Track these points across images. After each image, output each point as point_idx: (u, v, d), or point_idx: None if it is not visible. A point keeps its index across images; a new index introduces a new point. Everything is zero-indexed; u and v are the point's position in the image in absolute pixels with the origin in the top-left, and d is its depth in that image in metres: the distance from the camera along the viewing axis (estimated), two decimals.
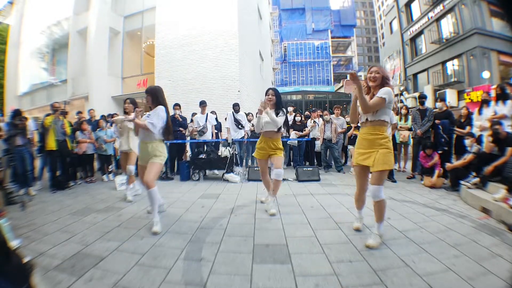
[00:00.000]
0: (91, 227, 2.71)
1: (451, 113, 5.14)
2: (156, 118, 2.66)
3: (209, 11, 9.62)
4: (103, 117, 6.22)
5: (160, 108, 2.73)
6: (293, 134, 6.48)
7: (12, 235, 1.20)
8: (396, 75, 21.48)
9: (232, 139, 6.07)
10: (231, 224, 2.72)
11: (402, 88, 20.04)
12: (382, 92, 2.10)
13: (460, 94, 13.95)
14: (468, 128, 4.80)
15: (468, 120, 4.93)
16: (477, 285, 1.58)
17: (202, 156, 5.46)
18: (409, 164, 5.91)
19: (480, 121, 4.65)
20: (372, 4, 50.62)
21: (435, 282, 1.61)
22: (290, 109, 7.14)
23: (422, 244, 2.15)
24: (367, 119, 2.21)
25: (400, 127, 5.75)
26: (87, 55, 11.28)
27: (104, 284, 1.66)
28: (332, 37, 40.40)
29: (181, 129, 6.07)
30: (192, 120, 6.41)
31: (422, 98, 5.35)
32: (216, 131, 6.57)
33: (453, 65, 15.22)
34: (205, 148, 6.04)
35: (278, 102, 3.16)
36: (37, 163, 5.18)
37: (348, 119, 6.14)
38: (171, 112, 5.98)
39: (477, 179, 3.66)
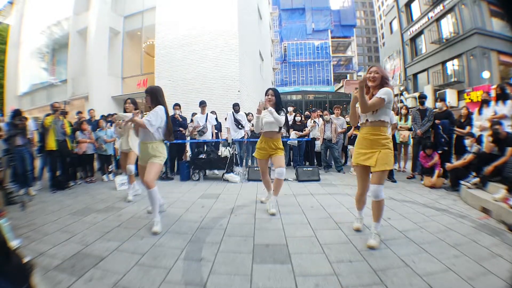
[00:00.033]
0: (91, 227, 2.71)
1: (451, 113, 5.14)
2: (154, 116, 2.65)
3: (209, 11, 9.62)
4: (103, 117, 6.23)
5: (159, 107, 2.73)
6: (293, 134, 6.48)
7: (12, 235, 1.20)
8: (396, 75, 21.48)
9: (232, 139, 6.07)
10: (231, 224, 2.72)
11: (402, 88, 20.03)
12: (382, 93, 2.10)
13: (460, 94, 13.95)
14: (468, 128, 4.80)
15: (468, 120, 4.93)
16: (477, 285, 1.58)
17: (202, 156, 5.46)
18: (409, 164, 5.91)
19: (480, 121, 4.65)
20: (372, 4, 50.62)
21: (435, 282, 1.61)
22: (290, 109, 7.14)
23: (422, 244, 2.15)
24: (367, 120, 2.21)
25: (400, 127, 5.75)
26: (87, 55, 11.29)
27: (104, 284, 1.65)
28: (332, 37, 40.42)
29: (181, 129, 6.07)
30: (192, 120, 6.41)
31: (422, 98, 5.35)
32: (216, 131, 6.57)
33: (453, 65, 15.22)
34: (205, 148, 6.04)
35: (277, 102, 3.17)
36: (37, 163, 5.18)
37: (348, 119, 6.15)
38: (171, 112, 6.00)
39: (477, 179, 3.66)
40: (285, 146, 6.47)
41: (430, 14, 16.59)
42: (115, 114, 6.25)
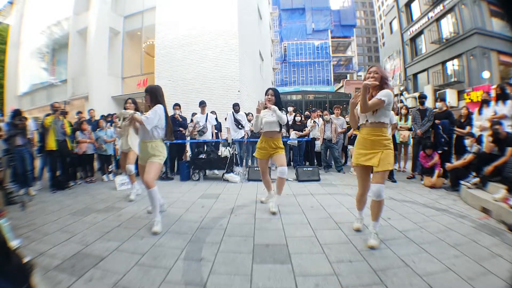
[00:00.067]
0: (91, 227, 2.71)
1: (451, 113, 5.14)
2: (152, 114, 2.66)
3: (209, 11, 9.62)
4: (103, 117, 6.23)
5: (159, 106, 2.73)
6: (293, 134, 6.48)
7: (12, 235, 1.20)
8: (396, 75, 21.48)
9: (232, 139, 6.07)
10: (231, 224, 2.72)
11: (402, 88, 20.04)
12: (382, 94, 2.10)
13: (460, 94, 13.95)
14: (468, 128, 4.80)
15: (468, 120, 4.93)
16: (477, 285, 1.58)
17: (202, 156, 5.46)
18: (409, 164, 5.91)
19: (480, 121, 4.65)
20: (372, 4, 50.60)
21: (435, 282, 1.61)
22: (290, 109, 7.14)
23: (422, 244, 2.15)
24: (367, 120, 2.21)
25: (400, 127, 5.75)
26: (87, 55, 11.28)
27: (104, 284, 1.65)
28: (332, 37, 40.41)
29: (181, 129, 6.07)
30: (192, 120, 6.41)
31: (422, 98, 5.35)
32: (216, 131, 6.57)
33: (453, 65, 15.22)
34: (205, 148, 6.04)
35: (277, 102, 3.19)
36: (37, 163, 5.18)
37: (348, 119, 6.14)
38: (171, 112, 6.00)
39: (477, 179, 3.66)
40: (285, 146, 6.46)
41: (430, 14, 16.59)
42: (115, 114, 6.26)
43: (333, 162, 6.33)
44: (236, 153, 5.90)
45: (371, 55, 51.82)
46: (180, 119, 6.13)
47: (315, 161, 6.84)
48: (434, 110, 5.36)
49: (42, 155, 5.20)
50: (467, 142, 4.34)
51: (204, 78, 9.54)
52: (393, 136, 5.34)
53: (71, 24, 12.10)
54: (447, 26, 15.31)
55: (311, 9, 38.62)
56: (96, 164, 5.94)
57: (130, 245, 2.23)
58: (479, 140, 4.36)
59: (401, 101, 16.93)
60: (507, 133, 3.70)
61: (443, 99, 5.62)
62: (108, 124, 5.90)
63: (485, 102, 4.74)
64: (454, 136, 4.99)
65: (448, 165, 4.37)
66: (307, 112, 7.82)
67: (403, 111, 5.90)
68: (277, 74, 35.72)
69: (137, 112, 2.90)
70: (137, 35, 12.20)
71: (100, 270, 1.83)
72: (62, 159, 4.94)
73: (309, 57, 39.10)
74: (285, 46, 39.24)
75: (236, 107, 6.41)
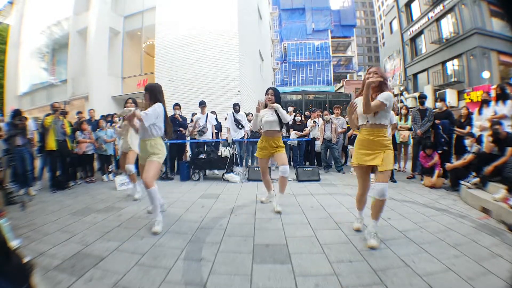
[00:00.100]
0: (91, 227, 2.71)
1: (451, 113, 5.14)
2: (151, 110, 2.66)
3: (209, 11, 9.62)
4: (103, 117, 6.23)
5: (158, 104, 2.73)
6: (293, 134, 6.48)
7: (12, 235, 1.20)
8: (396, 75, 21.49)
9: (232, 139, 6.07)
10: (231, 224, 2.72)
11: (402, 88, 20.04)
12: (384, 97, 2.11)
13: (460, 94, 13.95)
14: (468, 128, 4.80)
15: (468, 120, 4.93)
16: (477, 285, 1.58)
17: (202, 156, 5.46)
18: (409, 164, 5.91)
19: (480, 121, 4.65)
20: (372, 4, 50.61)
21: (435, 282, 1.61)
22: (290, 109, 7.14)
23: (422, 244, 2.15)
24: (367, 121, 2.22)
25: (400, 127, 5.75)
26: (87, 55, 11.29)
27: (104, 284, 1.65)
28: (332, 37, 40.42)
29: (181, 129, 6.07)
30: (192, 120, 6.41)
31: (422, 98, 5.35)
32: (216, 131, 6.57)
33: (453, 65, 15.22)
34: (205, 148, 6.04)
35: (277, 101, 3.21)
36: (37, 163, 5.18)
37: (348, 119, 6.14)
38: (172, 112, 6.01)
39: (477, 179, 3.66)
40: (285, 146, 6.46)
41: (430, 14, 16.59)
42: (115, 114, 6.26)
43: (333, 162, 6.33)
44: (236, 153, 5.89)
45: (371, 55, 51.81)
46: (180, 119, 6.13)
47: (315, 161, 6.84)
48: (434, 110, 5.36)
49: (42, 155, 5.20)
50: (467, 142, 4.34)
51: (204, 78, 9.54)
52: (393, 136, 5.35)
53: (71, 24, 12.10)
54: (447, 26, 15.32)
55: (311, 9, 38.63)
56: (96, 164, 5.95)
57: (130, 245, 2.23)
58: (479, 140, 4.36)
59: (401, 101, 16.94)
60: (507, 133, 3.70)
61: (443, 99, 5.62)
62: (108, 124, 5.90)
63: (485, 102, 4.74)
64: (454, 136, 4.99)
65: (448, 165, 4.37)
66: (307, 112, 7.82)
67: (403, 111, 5.90)
68: (277, 74, 35.73)
69: (138, 109, 2.90)
70: (137, 35, 12.20)
71: (100, 270, 1.83)
72: (62, 159, 4.94)
73: (309, 57, 39.12)
74: (285, 46, 39.26)
75: (236, 107, 6.41)
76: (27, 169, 4.32)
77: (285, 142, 6.25)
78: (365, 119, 2.23)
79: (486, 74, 12.40)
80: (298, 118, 6.79)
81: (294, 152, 6.77)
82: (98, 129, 5.70)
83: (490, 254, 1.99)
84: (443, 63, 15.89)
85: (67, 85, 11.94)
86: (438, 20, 16.08)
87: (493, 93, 5.71)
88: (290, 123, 6.51)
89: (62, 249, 2.17)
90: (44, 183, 4.96)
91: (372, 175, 2.32)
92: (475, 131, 4.65)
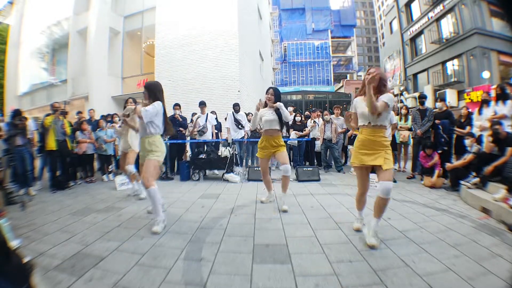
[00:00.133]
0: (91, 227, 2.71)
1: (451, 113, 5.14)
2: (151, 107, 2.65)
3: (209, 11, 9.62)
4: (103, 117, 6.22)
5: (157, 102, 2.73)
6: (293, 134, 6.48)
7: (12, 235, 1.20)
8: (396, 75, 21.49)
9: (232, 139, 6.07)
10: (231, 224, 2.72)
11: (402, 88, 20.04)
12: (386, 98, 2.12)
13: (460, 94, 13.95)
14: (468, 128, 4.80)
15: (468, 120, 4.93)
16: (477, 285, 1.58)
17: (202, 156, 5.46)
18: (409, 164, 5.91)
19: (480, 121, 4.65)
20: (372, 4, 50.61)
21: (435, 282, 1.61)
22: (290, 109, 7.13)
23: (422, 244, 2.15)
24: (369, 122, 2.22)
25: (400, 127, 5.75)
26: (87, 55, 11.29)
27: (104, 284, 1.65)
28: (332, 37, 40.43)
29: (181, 129, 6.07)
30: (192, 120, 6.41)
31: (422, 98, 5.35)
32: (216, 131, 6.57)
33: (453, 65, 15.22)
34: (205, 148, 6.04)
35: (277, 101, 3.22)
36: (37, 163, 5.18)
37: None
38: (172, 112, 6.01)
39: (477, 179, 3.66)
40: (285, 146, 6.47)
41: (430, 14, 16.59)
42: (115, 114, 6.26)
43: (333, 162, 6.33)
44: (236, 153, 5.90)
45: (371, 55, 51.81)
46: (180, 119, 6.13)
47: (315, 161, 6.84)
48: (434, 110, 5.36)
49: (42, 155, 5.20)
50: (467, 142, 4.34)
51: (204, 78, 9.54)
52: (393, 136, 5.34)
53: (71, 24, 12.10)
54: (447, 26, 15.32)
55: (311, 9, 38.64)
56: (96, 164, 5.95)
57: (130, 245, 2.23)
58: (479, 140, 4.36)
59: (401, 101, 16.93)
60: (507, 133, 3.70)
61: (443, 99, 5.62)
62: (108, 124, 5.90)
63: (485, 102, 4.74)
64: (454, 136, 4.99)
65: (448, 165, 4.37)
66: (307, 112, 7.82)
67: (403, 111, 5.90)
68: (277, 74, 35.73)
69: (140, 104, 2.90)
70: (137, 35, 12.20)
71: (100, 270, 1.83)
72: (62, 159, 4.94)
73: (309, 57, 39.13)
74: (285, 46, 39.27)
75: (236, 107, 6.41)
76: (27, 169, 4.32)
77: (285, 142, 6.26)
78: (367, 120, 2.23)
79: (486, 74, 12.40)
80: (298, 118, 6.79)
81: (294, 152, 6.77)
82: (98, 129, 5.70)
83: (490, 254, 1.99)
84: (443, 63, 15.89)
85: (67, 85, 11.94)
86: (438, 20, 16.08)
87: (493, 93, 5.70)
88: (290, 123, 6.51)
89: (62, 249, 2.17)
90: (44, 183, 4.96)
91: (371, 175, 2.32)
92: (475, 131, 4.65)
